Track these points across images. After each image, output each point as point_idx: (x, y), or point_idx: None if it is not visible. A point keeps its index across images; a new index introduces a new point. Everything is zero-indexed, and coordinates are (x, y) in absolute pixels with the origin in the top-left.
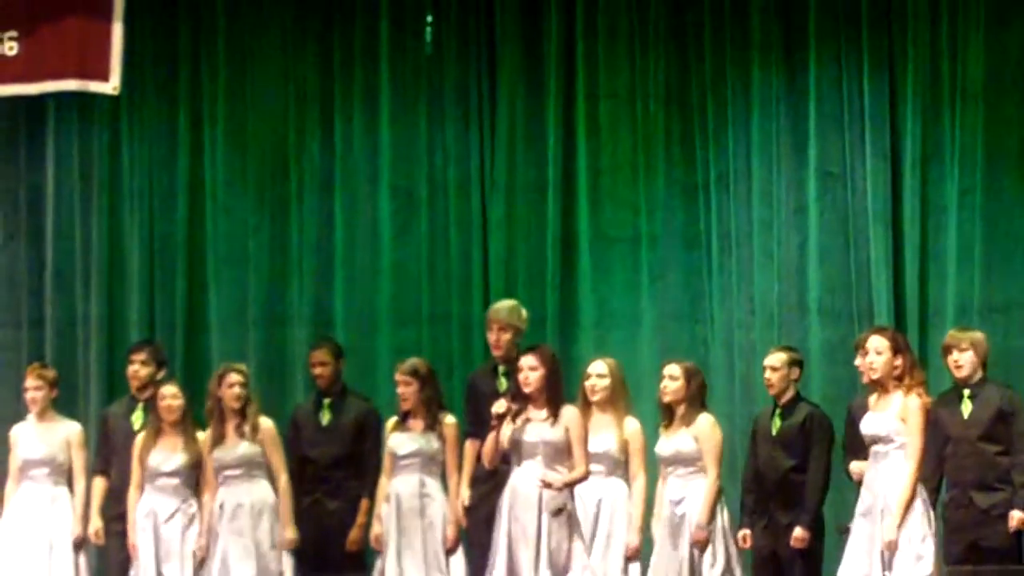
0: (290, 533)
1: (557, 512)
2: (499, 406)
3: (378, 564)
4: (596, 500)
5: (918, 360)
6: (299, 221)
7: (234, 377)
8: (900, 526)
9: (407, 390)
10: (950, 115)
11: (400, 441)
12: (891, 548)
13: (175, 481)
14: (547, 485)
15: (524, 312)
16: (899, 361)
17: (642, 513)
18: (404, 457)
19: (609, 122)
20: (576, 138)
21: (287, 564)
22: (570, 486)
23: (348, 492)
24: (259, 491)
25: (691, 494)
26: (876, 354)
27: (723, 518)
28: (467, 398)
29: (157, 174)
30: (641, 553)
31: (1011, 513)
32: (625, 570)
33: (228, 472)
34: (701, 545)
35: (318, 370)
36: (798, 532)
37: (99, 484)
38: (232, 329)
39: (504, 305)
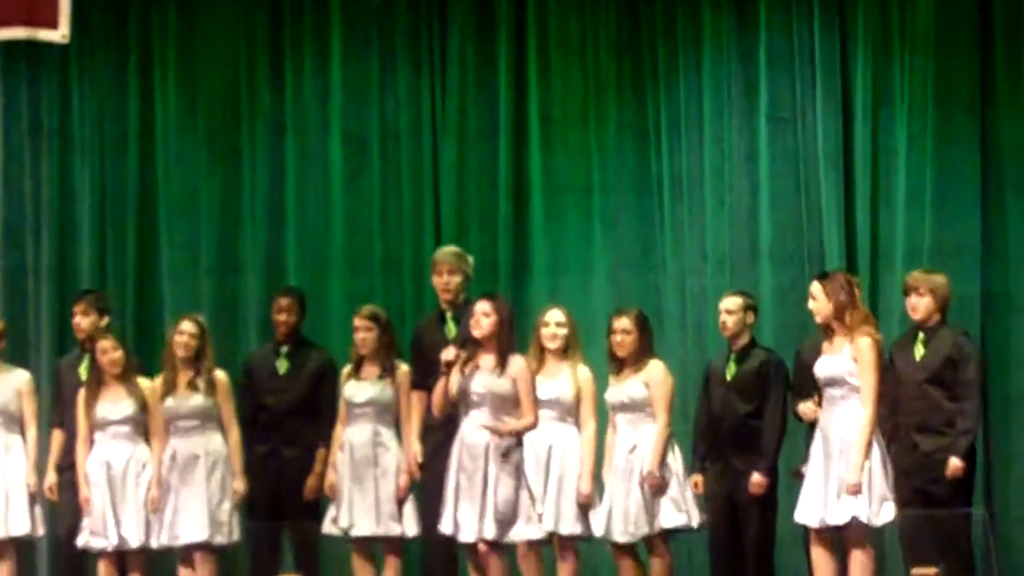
0: (239, 486)
1: (506, 454)
2: (447, 353)
3: (330, 512)
4: (547, 446)
5: (861, 302)
6: (251, 168)
7: (185, 326)
8: (861, 469)
9: (368, 335)
10: (900, 59)
11: (355, 389)
12: (853, 491)
13: (126, 428)
14: (493, 431)
15: (470, 257)
16: (832, 304)
17: (593, 461)
18: (359, 406)
19: (560, 68)
20: (527, 84)
21: (235, 517)
22: (516, 434)
23: (305, 441)
24: (213, 443)
25: (642, 440)
26: (812, 300)
27: (676, 462)
28: (414, 350)
29: (107, 123)
30: (593, 500)
31: (949, 459)
32: (580, 516)
33: (181, 423)
34: (656, 490)
35: (282, 317)
36: (756, 478)
37: (56, 437)
38: (184, 277)
39: (450, 250)
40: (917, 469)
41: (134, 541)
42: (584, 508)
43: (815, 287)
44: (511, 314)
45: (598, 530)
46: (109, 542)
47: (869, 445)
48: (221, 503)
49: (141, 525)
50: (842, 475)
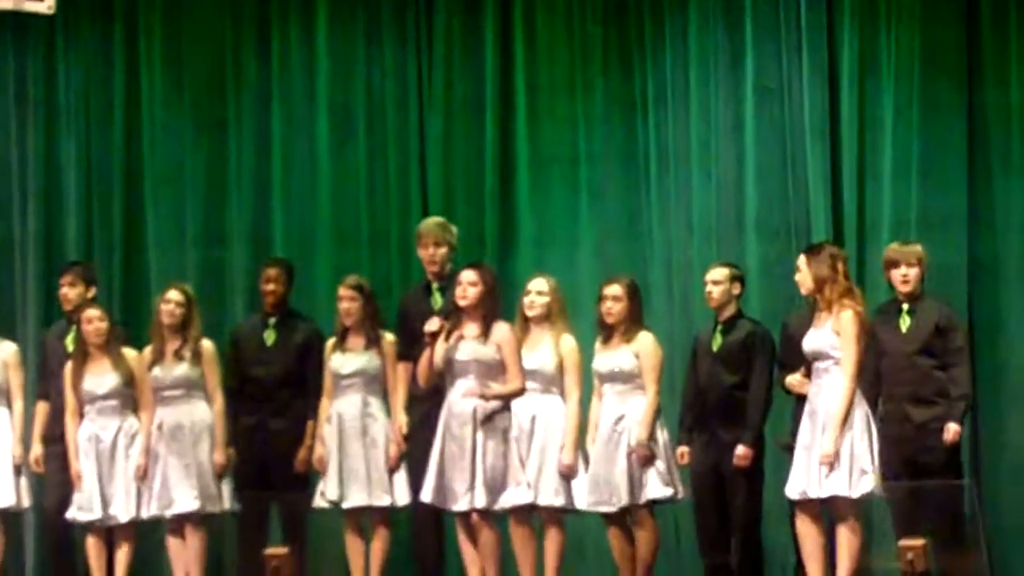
0: (220, 457)
1: (490, 417)
2: (432, 324)
3: (320, 485)
4: (531, 416)
5: (848, 274)
6: (237, 140)
7: (171, 295)
8: (839, 440)
9: (352, 305)
10: (887, 29)
11: (342, 361)
12: (829, 462)
13: (113, 402)
14: (481, 396)
15: (454, 228)
16: (812, 276)
17: (576, 431)
18: (346, 377)
19: (547, 39)
20: (513, 56)
21: (225, 487)
22: (504, 399)
23: (292, 412)
24: (199, 412)
25: (630, 411)
26: (796, 272)
27: (663, 434)
28: (400, 320)
29: (93, 93)
30: (575, 471)
31: (947, 425)
32: (563, 487)
33: (167, 392)
34: (643, 461)
35: (270, 286)
36: (741, 450)
37: (41, 409)
38: (170, 248)
39: (434, 221)
40: (908, 440)
41: (123, 516)
42: (567, 479)
43: (800, 260)
44: (496, 282)
45: (581, 502)
46: (96, 516)
47: (846, 418)
48: (211, 472)
49: (131, 500)
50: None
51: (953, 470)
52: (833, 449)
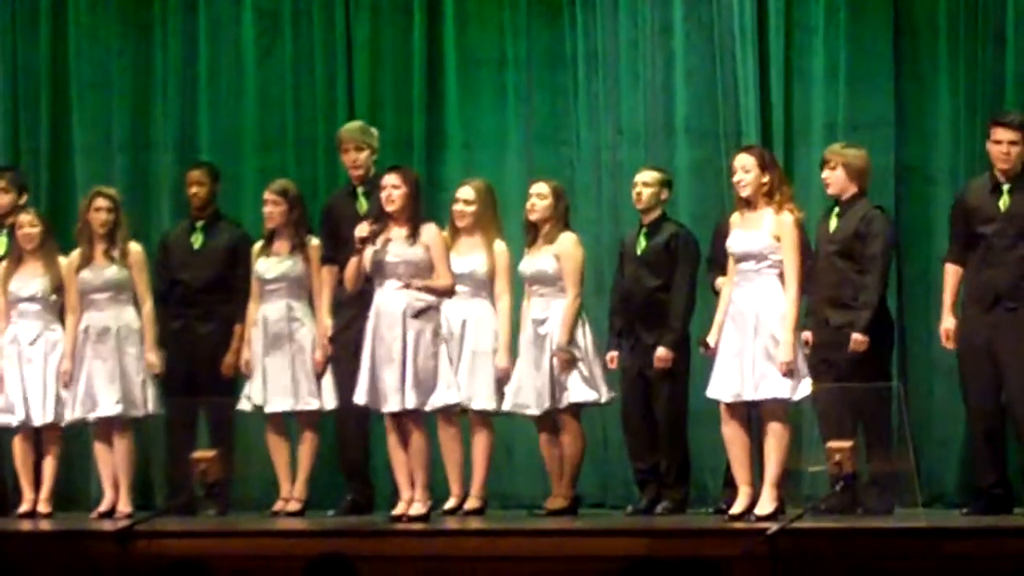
0: (153, 358)
1: (418, 317)
2: (362, 230)
3: (246, 388)
4: (461, 320)
5: (785, 177)
6: (163, 44)
7: (101, 202)
8: (793, 346)
9: (275, 209)
10: None
11: (267, 266)
12: (789, 369)
13: (36, 307)
14: (408, 286)
15: (375, 131)
16: (766, 178)
17: (509, 335)
18: (271, 281)
19: None
20: None
21: (150, 390)
22: (432, 292)
23: (219, 317)
24: (126, 316)
25: (553, 314)
26: (744, 172)
27: (586, 337)
28: (325, 224)
29: None
30: (510, 374)
31: (852, 336)
32: (496, 391)
33: (95, 295)
34: (564, 364)
35: (194, 189)
36: (660, 352)
37: None
38: (96, 154)
39: (354, 125)
40: (826, 343)
41: (38, 420)
42: (500, 382)
43: (747, 160)
44: (419, 182)
45: (507, 404)
46: (16, 418)
47: (797, 322)
48: (135, 376)
49: (49, 404)
50: (763, 352)
51: (863, 373)
52: (790, 356)
